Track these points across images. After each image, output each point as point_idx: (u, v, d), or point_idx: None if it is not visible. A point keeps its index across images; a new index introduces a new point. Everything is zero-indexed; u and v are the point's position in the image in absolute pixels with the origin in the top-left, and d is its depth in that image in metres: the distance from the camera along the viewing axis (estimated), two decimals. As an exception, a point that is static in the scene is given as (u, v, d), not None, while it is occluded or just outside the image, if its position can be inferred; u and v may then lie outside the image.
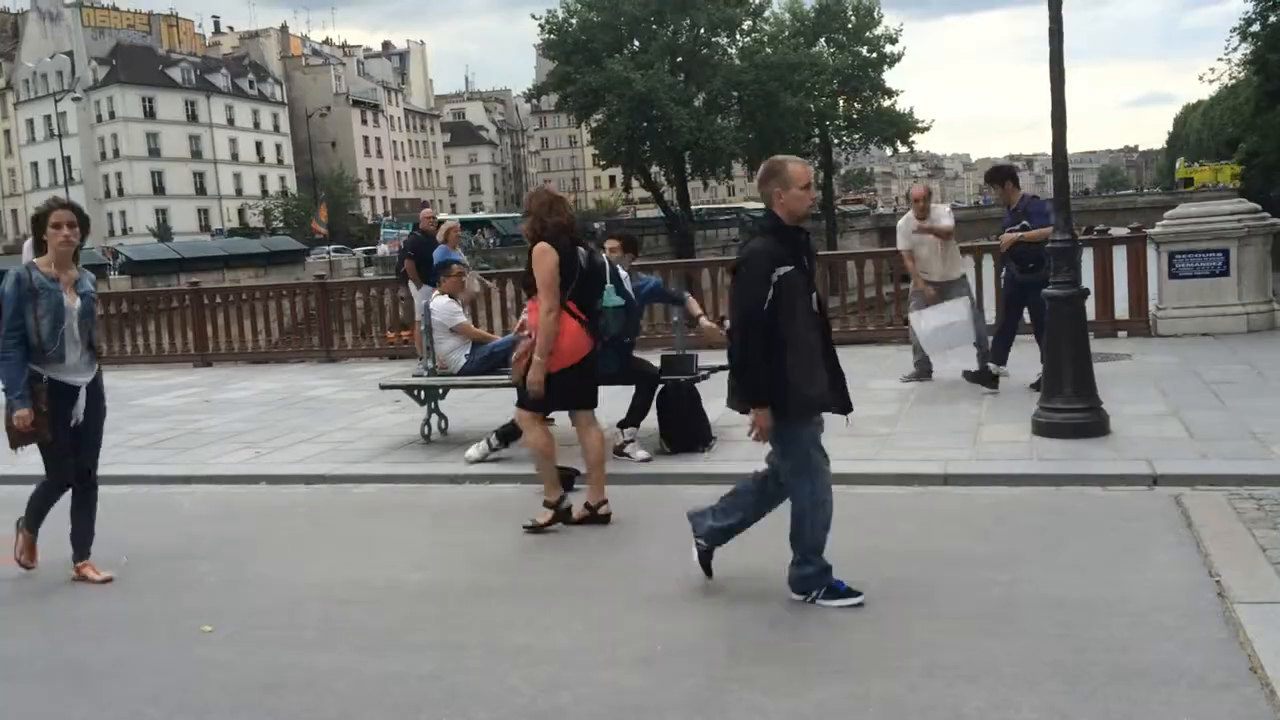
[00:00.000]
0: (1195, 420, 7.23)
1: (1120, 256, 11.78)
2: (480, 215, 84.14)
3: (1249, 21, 47.43)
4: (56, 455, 5.50)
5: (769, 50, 60.64)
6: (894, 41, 65.12)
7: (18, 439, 5.37)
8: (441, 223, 13.41)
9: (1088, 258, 10.91)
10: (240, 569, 5.73)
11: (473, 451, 7.65)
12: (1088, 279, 8.85)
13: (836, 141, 68.61)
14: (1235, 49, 49.02)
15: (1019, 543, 5.25)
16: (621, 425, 7.42)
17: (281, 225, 74.52)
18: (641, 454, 7.27)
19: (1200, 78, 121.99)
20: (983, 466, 6.62)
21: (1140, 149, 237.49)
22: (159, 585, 5.53)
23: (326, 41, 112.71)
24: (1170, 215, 11.76)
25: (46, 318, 5.30)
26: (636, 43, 59.66)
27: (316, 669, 4.26)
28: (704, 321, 8.21)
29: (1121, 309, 11.74)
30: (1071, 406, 7.04)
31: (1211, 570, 4.60)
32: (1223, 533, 5.04)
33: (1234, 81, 57.09)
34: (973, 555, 5.07)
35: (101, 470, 8.41)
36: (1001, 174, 9.31)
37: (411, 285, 12.76)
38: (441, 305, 8.47)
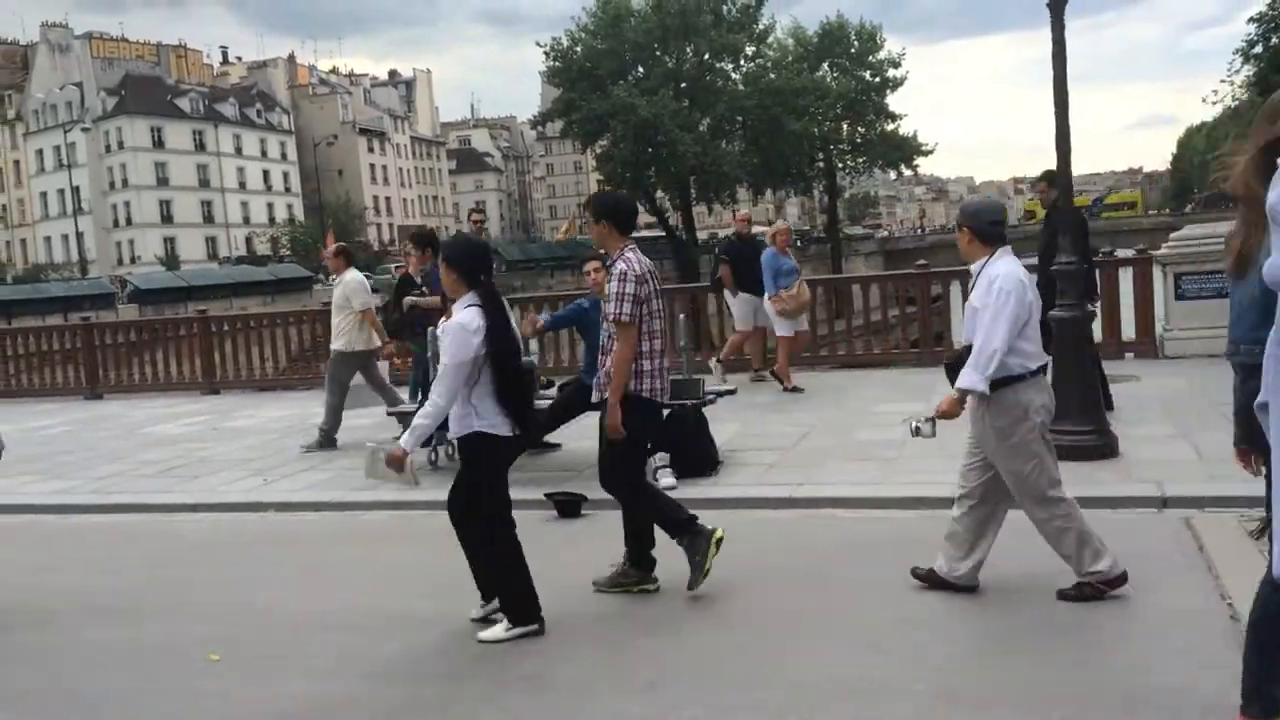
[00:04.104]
0: (1204, 442, 7.19)
1: (1126, 278, 11.78)
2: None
3: (1251, 43, 47.54)
4: None
5: (772, 75, 60.94)
6: (897, 65, 65.42)
7: None
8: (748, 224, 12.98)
9: (1094, 279, 10.89)
10: (247, 597, 5.71)
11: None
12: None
13: (840, 165, 68.82)
14: (1238, 71, 49.12)
15: (1028, 566, 5.21)
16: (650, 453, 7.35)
17: (289, 253, 74.82)
18: (667, 480, 7.17)
19: (1204, 99, 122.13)
20: (991, 489, 6.56)
21: (1145, 170, 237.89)
22: (166, 614, 5.51)
23: (333, 70, 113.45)
24: (1176, 237, 11.77)
25: None
26: (641, 69, 60.04)
27: (324, 698, 4.23)
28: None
29: (1129, 331, 11.73)
30: (1079, 429, 7.01)
31: (1223, 593, 4.56)
32: (1234, 555, 5.00)
33: (1237, 103, 57.19)
34: (981, 578, 5.04)
35: (108, 499, 8.51)
36: (417, 239, 9.57)
37: (728, 293, 12.27)
38: (448, 331, 8.48)
